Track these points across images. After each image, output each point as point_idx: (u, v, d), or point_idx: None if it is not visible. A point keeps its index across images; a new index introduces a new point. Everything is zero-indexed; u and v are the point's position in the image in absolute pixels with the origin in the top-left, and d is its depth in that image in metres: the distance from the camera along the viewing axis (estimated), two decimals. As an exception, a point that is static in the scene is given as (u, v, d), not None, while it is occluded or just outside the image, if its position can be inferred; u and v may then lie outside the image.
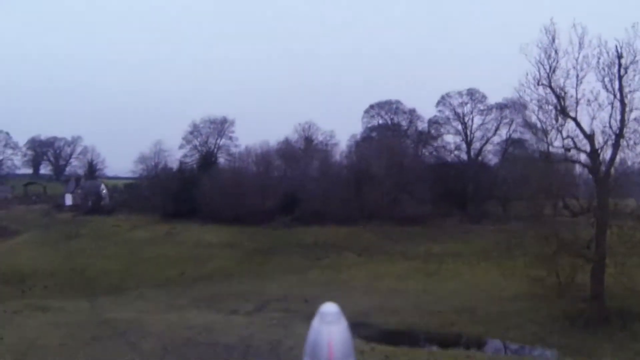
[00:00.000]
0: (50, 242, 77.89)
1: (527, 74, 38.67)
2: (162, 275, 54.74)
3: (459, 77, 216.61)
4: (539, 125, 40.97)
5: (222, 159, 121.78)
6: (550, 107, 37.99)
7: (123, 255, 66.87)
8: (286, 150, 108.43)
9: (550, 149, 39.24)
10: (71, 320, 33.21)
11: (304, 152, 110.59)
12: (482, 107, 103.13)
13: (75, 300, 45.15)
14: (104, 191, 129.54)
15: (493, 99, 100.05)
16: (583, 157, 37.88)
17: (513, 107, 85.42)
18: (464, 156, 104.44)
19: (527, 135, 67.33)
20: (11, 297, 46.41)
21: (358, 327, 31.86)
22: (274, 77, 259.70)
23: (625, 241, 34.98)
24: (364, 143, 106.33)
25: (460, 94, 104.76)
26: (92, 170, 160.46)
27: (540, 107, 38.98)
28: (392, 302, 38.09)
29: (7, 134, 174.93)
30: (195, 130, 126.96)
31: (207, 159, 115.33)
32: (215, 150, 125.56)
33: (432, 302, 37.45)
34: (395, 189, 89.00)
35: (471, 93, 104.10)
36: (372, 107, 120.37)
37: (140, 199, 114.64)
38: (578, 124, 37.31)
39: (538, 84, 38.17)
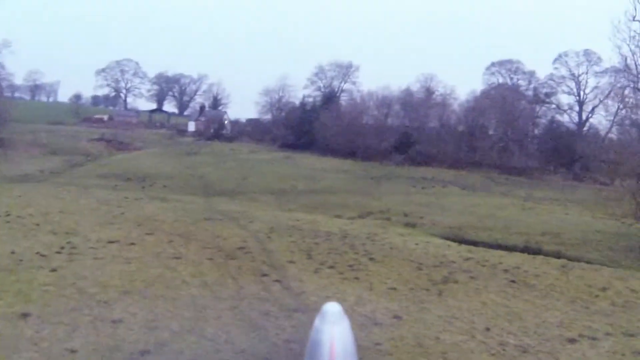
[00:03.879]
0: (172, 155, 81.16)
1: (625, 12, 39.73)
2: (275, 186, 56.59)
3: (576, 39, 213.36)
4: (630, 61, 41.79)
5: (343, 102, 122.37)
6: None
7: (240, 169, 69.01)
8: (407, 98, 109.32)
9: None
10: (187, 207, 36.31)
11: (423, 101, 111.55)
12: (597, 69, 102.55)
13: (192, 196, 47.93)
14: (227, 121, 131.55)
15: (609, 62, 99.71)
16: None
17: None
18: (576, 117, 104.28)
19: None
20: (133, 189, 49.51)
21: (450, 236, 34.23)
22: (401, 30, 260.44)
23: None
24: (482, 98, 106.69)
25: (577, 54, 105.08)
26: (217, 103, 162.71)
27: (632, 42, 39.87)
28: (485, 223, 39.66)
29: (137, 64, 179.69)
30: (320, 72, 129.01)
31: (330, 98, 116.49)
32: (339, 92, 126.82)
33: (522, 226, 38.60)
34: (505, 141, 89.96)
35: (587, 54, 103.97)
36: (493, 64, 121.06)
37: (261, 129, 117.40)
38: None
39: (633, 19, 39.36)
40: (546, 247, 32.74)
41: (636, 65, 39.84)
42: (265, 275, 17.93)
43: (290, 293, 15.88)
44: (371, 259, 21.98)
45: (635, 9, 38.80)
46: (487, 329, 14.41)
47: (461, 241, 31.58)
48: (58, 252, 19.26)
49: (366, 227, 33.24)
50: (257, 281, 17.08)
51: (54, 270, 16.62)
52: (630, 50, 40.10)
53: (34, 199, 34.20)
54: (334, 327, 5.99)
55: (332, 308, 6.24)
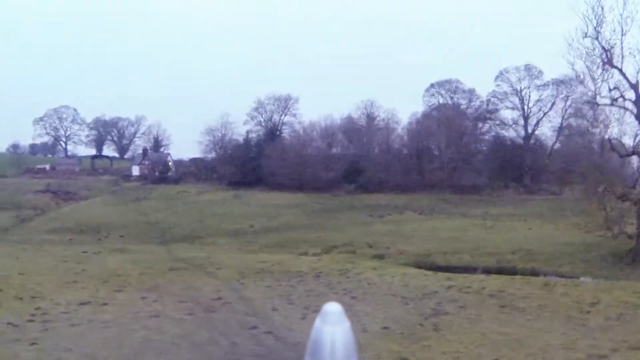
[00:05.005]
0: (121, 203, 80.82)
1: (575, 29, 40.57)
2: (231, 228, 56.38)
3: (515, 54, 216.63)
4: (585, 77, 42.66)
5: (286, 135, 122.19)
6: (597, 59, 39.79)
7: (193, 212, 68.93)
8: (349, 125, 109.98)
9: (598, 99, 40.89)
10: (149, 258, 35.54)
11: (366, 128, 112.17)
12: (538, 83, 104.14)
13: (151, 245, 47.35)
14: (170, 162, 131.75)
15: (549, 75, 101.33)
16: (629, 105, 39.54)
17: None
18: (522, 131, 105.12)
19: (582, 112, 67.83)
20: (89, 242, 48.83)
21: (421, 264, 34.01)
22: (337, 55, 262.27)
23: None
24: (425, 119, 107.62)
25: (517, 69, 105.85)
26: (158, 145, 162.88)
27: (587, 59, 40.77)
28: (452, 246, 39.69)
29: (75, 110, 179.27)
30: (260, 106, 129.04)
31: (272, 132, 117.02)
32: (280, 126, 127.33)
33: (490, 246, 38.81)
34: (454, 161, 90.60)
35: (528, 68, 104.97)
36: (432, 85, 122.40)
37: (206, 169, 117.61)
38: (623, 74, 39.15)
39: (585, 36, 40.08)
40: (520, 266, 33.05)
41: (593, 80, 40.53)
42: (254, 327, 17.13)
43: (285, 345, 15.23)
44: (353, 297, 21.42)
45: (587, 27, 39.59)
46: (497, 361, 14.02)
47: (434, 268, 31.37)
48: (30, 321, 17.86)
49: (335, 262, 32.75)
50: (247, 335, 16.28)
51: (33, 343, 15.65)
52: (587, 66, 40.77)
53: (-13, 261, 32.94)
54: (334, 327, 5.85)
55: (333, 308, 6.07)
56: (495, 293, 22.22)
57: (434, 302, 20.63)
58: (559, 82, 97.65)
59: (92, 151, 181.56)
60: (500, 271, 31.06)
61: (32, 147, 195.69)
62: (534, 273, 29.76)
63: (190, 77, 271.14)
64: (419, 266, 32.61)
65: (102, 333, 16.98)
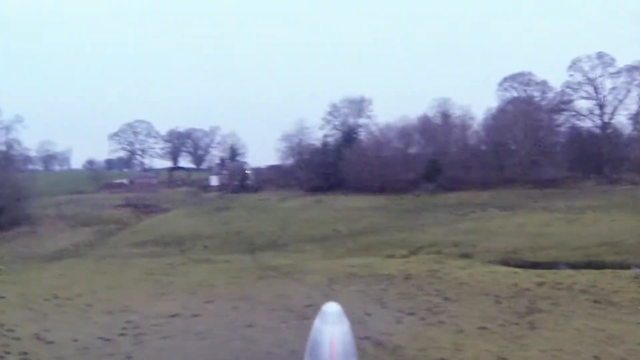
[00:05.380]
0: (203, 213, 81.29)
1: None
2: (315, 233, 56.40)
3: (586, 42, 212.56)
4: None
5: (362, 137, 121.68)
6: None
7: (276, 220, 69.10)
8: (425, 125, 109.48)
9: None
10: (235, 267, 35.83)
11: (442, 126, 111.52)
12: (612, 70, 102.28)
13: (236, 255, 47.57)
14: (249, 171, 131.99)
15: (622, 62, 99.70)
16: None
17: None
18: (598, 121, 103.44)
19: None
20: (174, 254, 49.30)
21: (508, 261, 33.75)
22: (409, 56, 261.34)
23: None
24: (500, 114, 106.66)
25: (589, 57, 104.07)
26: (235, 154, 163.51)
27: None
28: (537, 242, 39.26)
29: (149, 124, 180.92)
30: (334, 110, 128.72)
31: (349, 136, 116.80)
32: (356, 128, 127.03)
33: (576, 240, 38.26)
34: (532, 155, 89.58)
35: (600, 56, 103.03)
36: (505, 79, 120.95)
37: (285, 176, 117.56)
38: None
39: None
40: (608, 259, 32.35)
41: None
42: (349, 333, 17.28)
43: (385, 350, 15.29)
44: (446, 298, 21.40)
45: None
46: (597, 358, 13.88)
47: (522, 265, 31.13)
48: (122, 335, 18.02)
49: (423, 264, 32.72)
50: (345, 341, 16.44)
51: (128, 357, 15.81)
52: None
53: (76, 276, 33.73)
54: (334, 327, 5.98)
55: (332, 308, 6.23)
56: (587, 288, 21.99)
57: (527, 300, 20.50)
58: (632, 69, 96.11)
59: (168, 163, 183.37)
60: (588, 265, 30.61)
61: (108, 162, 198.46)
62: (623, 266, 29.04)
63: (263, 85, 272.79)
64: (506, 263, 32.41)
65: (196, 344, 17.21)
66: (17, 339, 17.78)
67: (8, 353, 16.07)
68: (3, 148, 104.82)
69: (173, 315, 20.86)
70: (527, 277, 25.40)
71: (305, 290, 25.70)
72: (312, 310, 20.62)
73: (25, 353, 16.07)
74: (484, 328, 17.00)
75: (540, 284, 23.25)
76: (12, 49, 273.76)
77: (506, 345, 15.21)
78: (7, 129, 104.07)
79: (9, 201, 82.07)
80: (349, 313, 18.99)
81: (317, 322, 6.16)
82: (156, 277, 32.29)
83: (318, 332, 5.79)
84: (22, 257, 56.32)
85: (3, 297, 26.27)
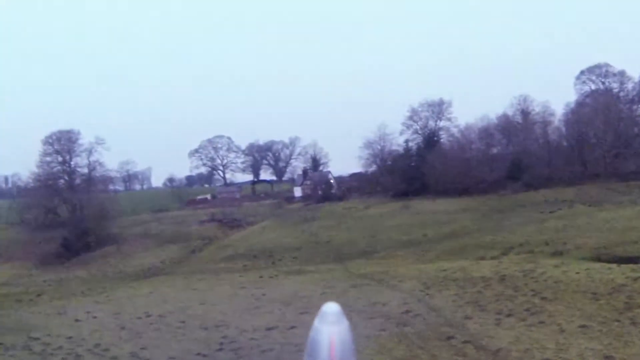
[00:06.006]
0: (289, 225, 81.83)
1: None
2: (405, 238, 56.41)
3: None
4: None
5: (444, 140, 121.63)
6: None
7: (363, 228, 69.20)
8: (505, 124, 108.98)
9: None
10: (327, 277, 35.61)
11: (522, 124, 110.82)
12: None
13: (326, 265, 47.70)
14: (332, 180, 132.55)
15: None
16: None
17: None
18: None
19: None
20: (264, 267, 49.65)
21: (601, 257, 33.33)
22: (486, 54, 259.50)
23: None
24: (579, 108, 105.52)
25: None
26: (317, 164, 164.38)
27: None
28: (629, 236, 38.56)
29: (229, 138, 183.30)
30: (414, 114, 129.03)
31: (430, 139, 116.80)
32: (437, 131, 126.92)
33: None
34: (614, 148, 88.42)
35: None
36: (582, 72, 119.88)
37: (368, 183, 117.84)
38: None
39: None
40: None
41: None
42: (450, 337, 17.24)
43: (487, 352, 15.31)
44: (543, 298, 21.27)
45: None
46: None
47: (614, 260, 30.62)
48: (219, 350, 18.36)
49: (516, 264, 32.37)
50: (446, 346, 16.39)
51: None
52: None
53: (167, 294, 34.23)
54: (333, 327, 5.70)
55: (331, 308, 5.86)
56: (686, 282, 21.74)
57: (625, 296, 20.25)
58: None
59: (249, 177, 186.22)
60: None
61: (188, 178, 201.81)
62: None
63: (337, 93, 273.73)
64: (599, 259, 31.90)
65: (297, 357, 17.42)
66: (114, 358, 18.38)
67: (105, 372, 16.54)
68: (85, 170, 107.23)
69: (270, 329, 21.01)
70: (621, 273, 24.96)
71: (401, 296, 25.65)
72: (410, 316, 20.89)
73: (122, 372, 16.55)
74: (584, 326, 16.90)
75: (636, 279, 22.88)
76: (89, 71, 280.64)
77: (609, 343, 15.12)
78: (89, 151, 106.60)
79: (94, 222, 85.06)
80: (448, 317, 19.19)
81: (316, 322, 5.97)
82: (249, 290, 32.55)
83: (317, 332, 5.84)
84: (110, 276, 57.70)
85: (95, 317, 26.93)
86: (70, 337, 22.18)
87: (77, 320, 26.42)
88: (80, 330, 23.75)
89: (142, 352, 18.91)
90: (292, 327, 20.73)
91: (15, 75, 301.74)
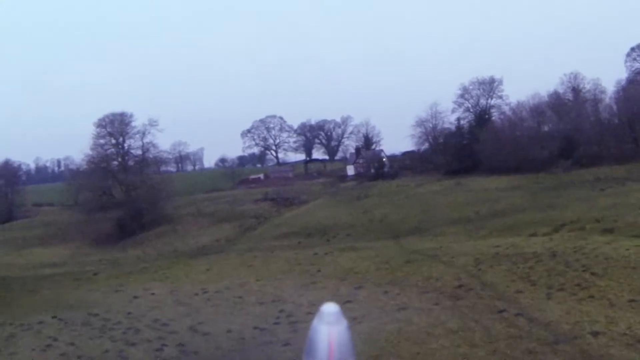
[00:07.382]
0: (342, 203, 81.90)
1: None
2: (457, 215, 56.32)
3: None
4: None
5: (495, 118, 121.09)
6: None
7: (416, 205, 69.10)
8: (556, 101, 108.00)
9: None
10: (381, 253, 35.67)
11: (573, 101, 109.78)
12: None
13: (380, 241, 47.81)
14: (385, 158, 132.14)
15: None
16: None
17: None
18: None
19: None
20: (318, 244, 49.85)
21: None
22: (536, 32, 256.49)
23: None
24: (631, 86, 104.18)
25: None
26: (369, 142, 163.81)
27: None
28: (682, 213, 38.44)
29: (281, 118, 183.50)
30: (465, 92, 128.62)
31: (482, 117, 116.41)
32: (488, 109, 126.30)
33: None
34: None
35: None
36: (632, 49, 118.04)
37: (421, 161, 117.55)
38: None
39: None
40: None
41: None
42: (502, 311, 17.56)
43: (538, 325, 15.56)
44: (593, 273, 21.34)
45: None
46: None
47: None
48: (276, 324, 18.80)
49: (567, 241, 32.29)
50: (498, 319, 16.73)
51: (286, 344, 15.90)
52: None
53: (223, 270, 34.79)
54: (331, 327, 5.58)
55: (330, 309, 5.86)
56: None
57: (675, 272, 20.38)
58: None
59: (301, 156, 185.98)
60: None
61: (240, 159, 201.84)
62: None
63: (389, 72, 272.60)
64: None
65: (353, 329, 17.57)
66: (173, 332, 18.88)
67: (165, 345, 17.00)
68: (139, 152, 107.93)
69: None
70: (669, 249, 25.00)
71: (454, 271, 25.90)
72: (463, 291, 21.13)
73: (182, 345, 16.99)
74: (634, 301, 17.06)
75: (686, 256, 22.95)
76: (141, 54, 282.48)
77: (658, 317, 15.29)
78: (143, 133, 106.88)
79: (148, 203, 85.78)
80: (500, 292, 19.39)
81: (314, 322, 6.13)
82: (303, 267, 32.99)
83: (315, 332, 5.98)
84: (166, 254, 58.29)
85: (153, 294, 27.48)
86: (129, 313, 22.98)
87: (135, 297, 27.26)
88: (138, 307, 24.55)
89: (200, 326, 19.47)
90: (348, 302, 20.93)
91: (67, 59, 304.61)
